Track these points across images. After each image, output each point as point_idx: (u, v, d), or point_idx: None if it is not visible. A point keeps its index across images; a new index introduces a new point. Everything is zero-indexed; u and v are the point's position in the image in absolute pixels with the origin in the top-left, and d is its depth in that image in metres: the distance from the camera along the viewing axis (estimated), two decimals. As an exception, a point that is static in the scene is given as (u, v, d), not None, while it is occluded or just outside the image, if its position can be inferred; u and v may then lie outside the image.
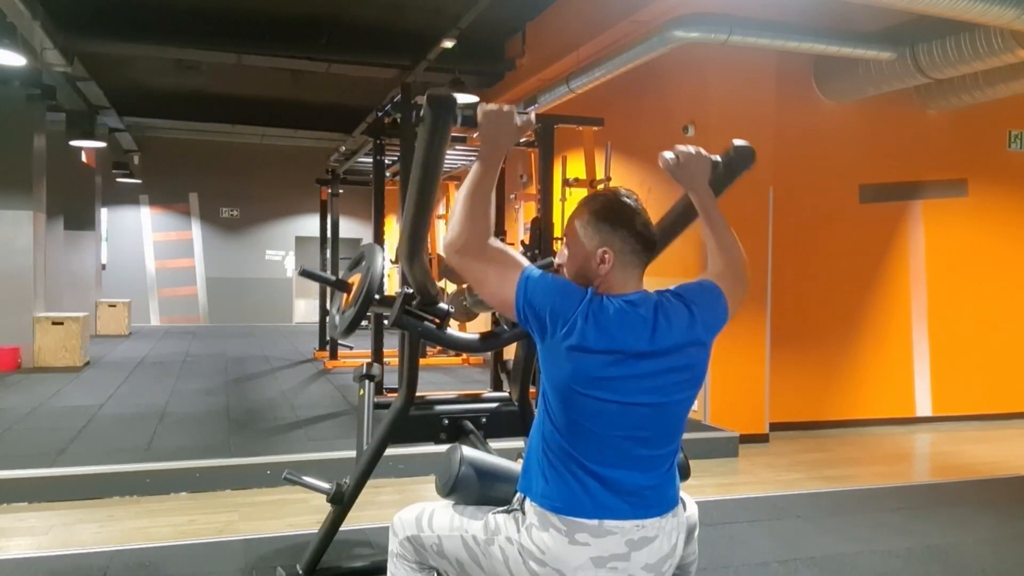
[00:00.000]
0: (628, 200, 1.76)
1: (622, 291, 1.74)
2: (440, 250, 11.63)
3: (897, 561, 3.65)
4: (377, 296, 2.67)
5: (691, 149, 1.94)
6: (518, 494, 1.87)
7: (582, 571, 1.67)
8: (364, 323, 2.89)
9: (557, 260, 1.86)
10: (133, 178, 14.47)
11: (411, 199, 2.15)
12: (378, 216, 6.76)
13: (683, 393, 1.76)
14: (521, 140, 1.85)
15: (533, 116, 1.87)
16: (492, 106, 1.79)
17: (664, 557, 1.73)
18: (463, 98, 7.17)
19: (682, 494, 1.86)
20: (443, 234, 1.73)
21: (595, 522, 1.67)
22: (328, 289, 10.38)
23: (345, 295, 2.82)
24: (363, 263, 2.79)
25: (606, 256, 1.72)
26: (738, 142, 2.10)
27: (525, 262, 1.76)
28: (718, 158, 2.02)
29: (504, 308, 1.75)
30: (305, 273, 2.94)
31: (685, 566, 1.99)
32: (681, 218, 2.18)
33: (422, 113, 1.91)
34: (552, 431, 1.73)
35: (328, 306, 2.89)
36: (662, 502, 1.74)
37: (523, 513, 1.79)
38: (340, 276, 2.92)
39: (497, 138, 1.79)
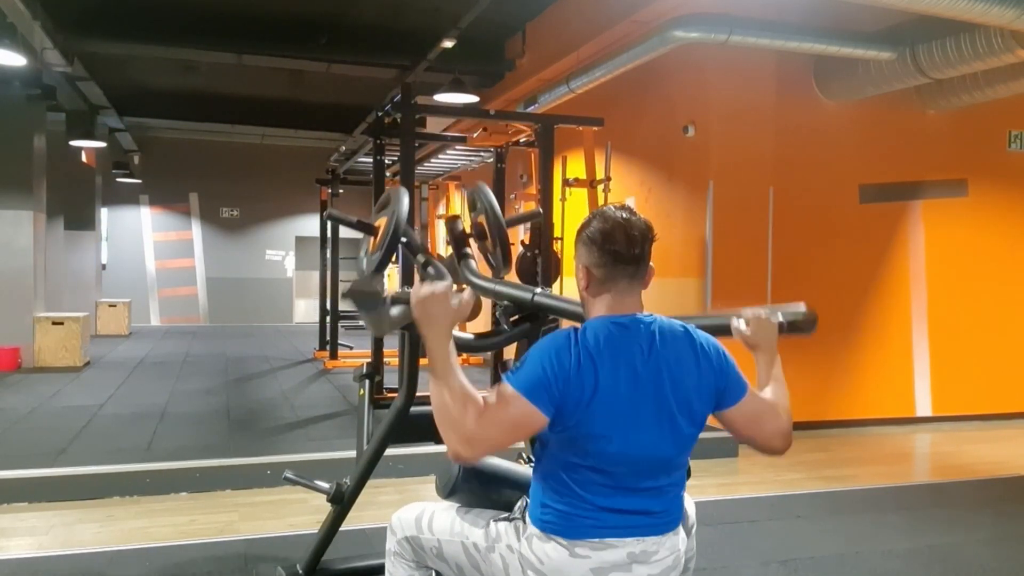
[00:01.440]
0: (611, 215, 1.73)
1: (615, 311, 1.73)
2: (440, 250, 11.61)
3: (897, 561, 3.65)
4: (403, 239, 2.67)
5: (761, 313, 1.95)
6: (520, 501, 1.87)
7: None
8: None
9: None
10: (133, 178, 14.48)
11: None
12: (378, 216, 6.74)
13: (685, 423, 1.73)
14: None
15: (468, 294, 1.75)
16: (424, 291, 1.69)
17: (666, 570, 1.73)
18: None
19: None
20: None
21: (596, 540, 1.68)
22: (329, 287, 10.39)
23: (372, 238, 2.82)
24: (389, 206, 2.78)
25: (582, 273, 1.75)
26: (804, 310, 2.08)
27: (504, 382, 1.65)
28: (783, 321, 2.02)
29: (545, 425, 1.64)
30: (332, 216, 2.99)
31: (684, 562, 2.00)
32: (709, 329, 2.09)
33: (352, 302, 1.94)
34: (552, 465, 1.72)
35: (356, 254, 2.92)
36: (665, 523, 1.75)
37: (524, 522, 1.79)
38: (367, 222, 2.91)
39: (432, 321, 1.68)
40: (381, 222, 2.75)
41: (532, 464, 1.83)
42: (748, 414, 1.81)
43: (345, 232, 10.05)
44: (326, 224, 10.25)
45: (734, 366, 1.81)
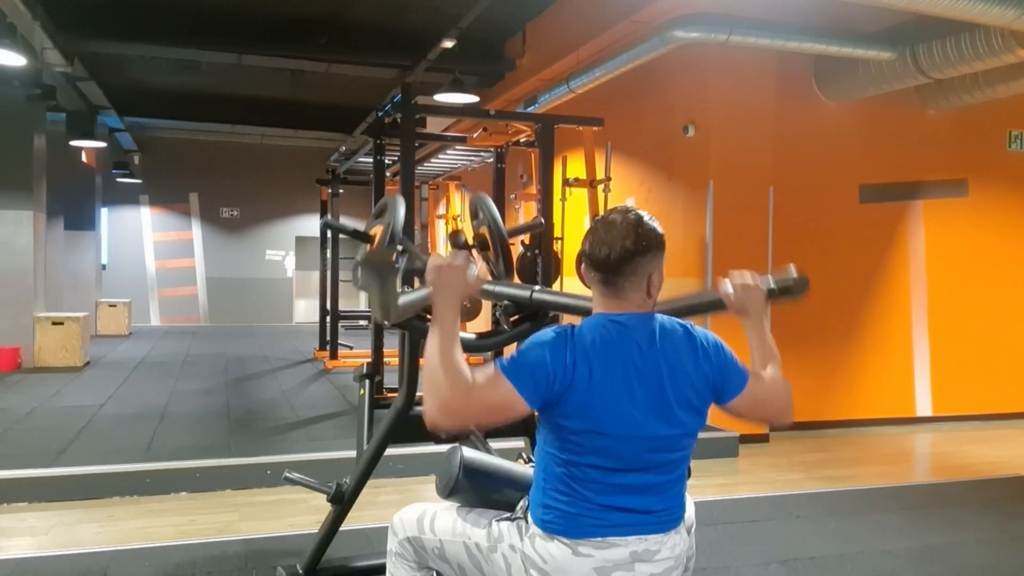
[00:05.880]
0: (607, 219, 1.73)
1: (614, 311, 1.74)
2: (440, 251, 11.60)
3: (897, 561, 3.65)
4: (400, 248, 2.67)
5: (748, 280, 1.90)
6: (522, 500, 1.87)
7: None
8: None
9: None
10: (133, 178, 14.47)
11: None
12: (378, 216, 6.73)
13: (685, 420, 1.73)
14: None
15: (481, 269, 1.81)
16: (443, 260, 1.73)
17: (668, 569, 1.74)
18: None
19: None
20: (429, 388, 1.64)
21: (599, 539, 1.68)
22: (328, 287, 10.38)
23: (368, 246, 2.82)
24: (385, 215, 2.78)
25: (585, 278, 1.78)
26: (795, 272, 2.00)
27: (495, 366, 1.68)
28: (773, 286, 1.95)
29: (527, 414, 1.67)
30: (328, 225, 2.98)
31: (684, 561, 2.00)
32: (701, 308, 2.08)
33: (360, 273, 1.93)
34: (552, 464, 1.72)
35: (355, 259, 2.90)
36: (667, 521, 1.75)
37: (526, 522, 1.79)
38: (362, 230, 2.90)
39: (446, 289, 1.73)
40: (377, 230, 2.76)
41: (532, 464, 1.83)
42: (750, 402, 1.83)
43: (345, 232, 10.03)
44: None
45: (733, 360, 1.82)
